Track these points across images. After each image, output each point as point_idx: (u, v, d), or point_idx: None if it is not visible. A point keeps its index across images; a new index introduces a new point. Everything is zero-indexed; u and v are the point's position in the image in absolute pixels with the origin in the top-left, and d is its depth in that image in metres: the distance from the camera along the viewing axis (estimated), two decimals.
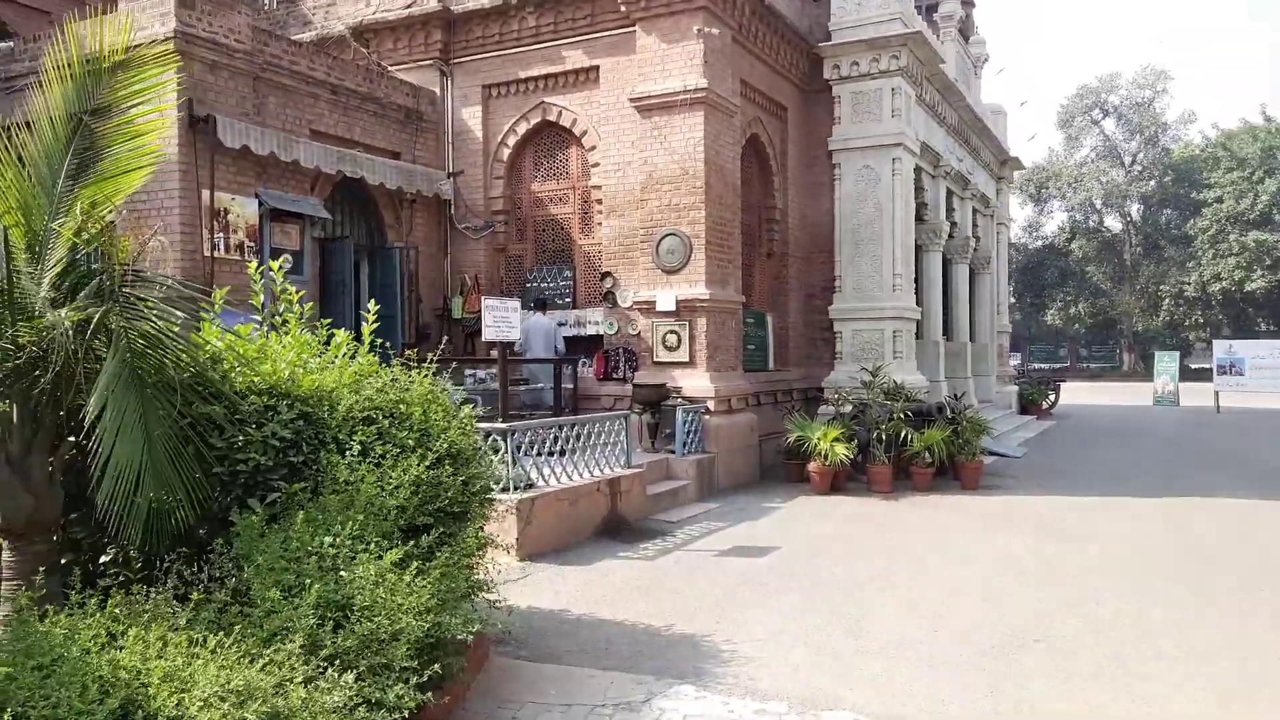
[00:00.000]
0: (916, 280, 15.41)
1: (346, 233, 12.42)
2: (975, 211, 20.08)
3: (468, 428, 5.54)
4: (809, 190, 14.82)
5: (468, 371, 11.80)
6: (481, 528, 5.23)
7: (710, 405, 11.37)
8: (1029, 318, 56.20)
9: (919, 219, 15.84)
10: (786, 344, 14.55)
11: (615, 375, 12.16)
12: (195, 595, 3.94)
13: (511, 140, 13.13)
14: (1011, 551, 8.26)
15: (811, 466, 11.39)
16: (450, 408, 5.51)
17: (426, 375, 5.79)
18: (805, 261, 14.88)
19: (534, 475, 8.29)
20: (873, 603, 6.62)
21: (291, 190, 11.17)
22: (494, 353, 12.12)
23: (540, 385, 11.41)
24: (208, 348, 4.87)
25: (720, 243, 11.90)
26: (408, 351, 12.88)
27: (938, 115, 16.50)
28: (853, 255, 14.10)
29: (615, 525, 8.99)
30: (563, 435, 8.68)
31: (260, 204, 10.65)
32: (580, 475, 8.80)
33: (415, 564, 4.09)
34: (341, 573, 3.83)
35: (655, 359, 11.78)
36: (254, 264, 6.48)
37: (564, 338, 12.67)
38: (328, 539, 3.97)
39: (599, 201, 12.49)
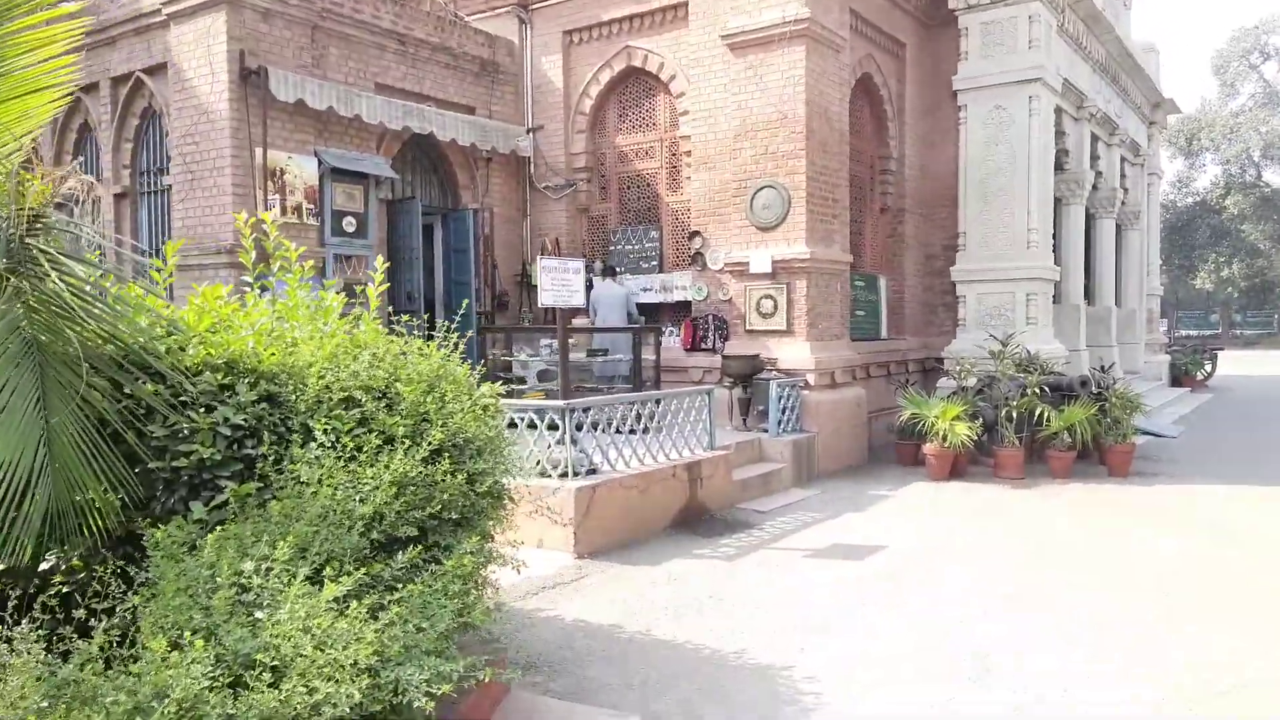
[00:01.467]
0: (1054, 237, 13.58)
1: (417, 194, 11.63)
2: (1123, 160, 17.84)
3: (488, 410, 4.53)
4: (929, 137, 13.20)
5: (543, 342, 10.86)
6: (491, 536, 4.22)
7: (810, 379, 10.08)
8: (1176, 281, 51.74)
9: (1058, 168, 13.96)
10: (901, 309, 13.04)
11: (704, 345, 10.99)
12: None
13: (594, 90, 12.04)
14: (1186, 561, 6.74)
15: (928, 449, 9.98)
16: (466, 385, 4.50)
17: (446, 347, 4.80)
18: (924, 217, 13.30)
19: (597, 458, 7.26)
20: (1007, 634, 5.29)
21: (355, 148, 10.41)
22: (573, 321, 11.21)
23: (620, 357, 10.35)
24: (152, 315, 3.96)
25: (824, 196, 10.53)
26: (483, 321, 12.14)
27: (1081, 49, 14.48)
28: (980, 209, 12.43)
29: (694, 516, 7.89)
30: (633, 413, 7.61)
31: (320, 163, 9.92)
32: (653, 459, 7.72)
33: (370, 597, 3.10)
34: (258, 613, 2.86)
35: (748, 327, 10.56)
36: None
37: (649, 304, 11.62)
38: (248, 563, 3.00)
39: (688, 153, 11.28)
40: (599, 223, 12.39)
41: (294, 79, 9.43)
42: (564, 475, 6.92)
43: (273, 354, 4.03)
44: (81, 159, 11.01)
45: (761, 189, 10.38)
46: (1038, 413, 9.98)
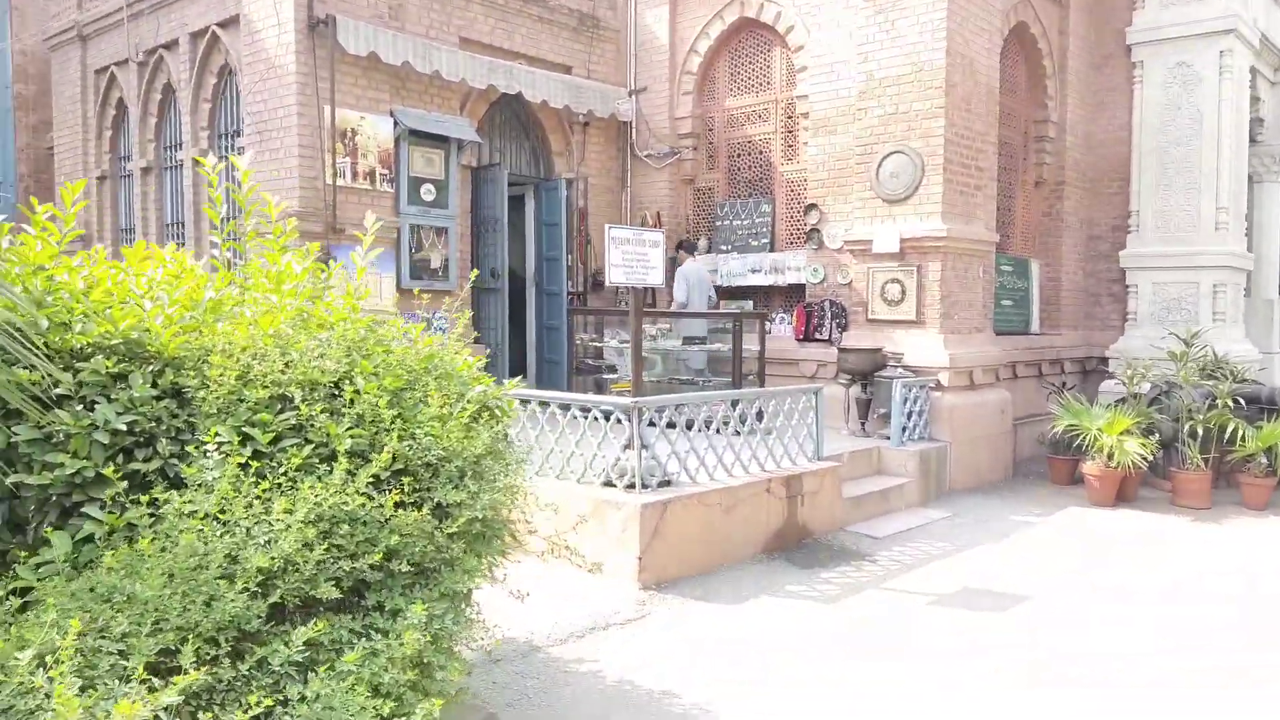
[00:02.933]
0: (1246, 219, 11.45)
1: (505, 161, 10.64)
2: None
3: (490, 415, 3.42)
4: (1096, 98, 11.30)
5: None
6: (468, 594, 3.10)
7: (943, 378, 8.56)
8: None
9: (1251, 139, 11.77)
10: (1057, 299, 11.23)
11: (819, 335, 9.59)
12: None
13: (703, 46, 10.75)
14: None
15: (1088, 467, 8.30)
16: (459, 382, 3.39)
17: (450, 330, 3.75)
18: (1088, 192, 11.42)
19: (673, 467, 6.06)
20: None
21: (435, 109, 9.50)
22: (671, 305, 10.00)
23: (718, 346, 9.09)
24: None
25: (966, 163, 8.93)
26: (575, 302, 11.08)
27: None
28: (1157, 183, 10.51)
29: (791, 540, 6.59)
30: (718, 415, 6.34)
31: (395, 124, 9.04)
32: (743, 469, 6.46)
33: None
34: None
35: (870, 315, 9.10)
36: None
37: (757, 287, 10.32)
38: (24, 654, 1.96)
39: (805, 115, 9.87)
40: (704, 195, 11.12)
41: (366, 29, 8.56)
42: (630, 487, 5.75)
43: (174, 335, 3.00)
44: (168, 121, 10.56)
45: (889, 155, 8.88)
46: (1230, 429, 8.14)
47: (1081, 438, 8.36)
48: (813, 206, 9.74)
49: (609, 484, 5.89)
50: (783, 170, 10.36)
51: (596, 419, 5.98)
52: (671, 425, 6.12)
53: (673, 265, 10.19)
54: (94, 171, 11.42)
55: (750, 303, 10.48)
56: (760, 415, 6.77)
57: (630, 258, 6.05)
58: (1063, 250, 11.20)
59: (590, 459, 6.01)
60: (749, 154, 10.68)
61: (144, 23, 10.34)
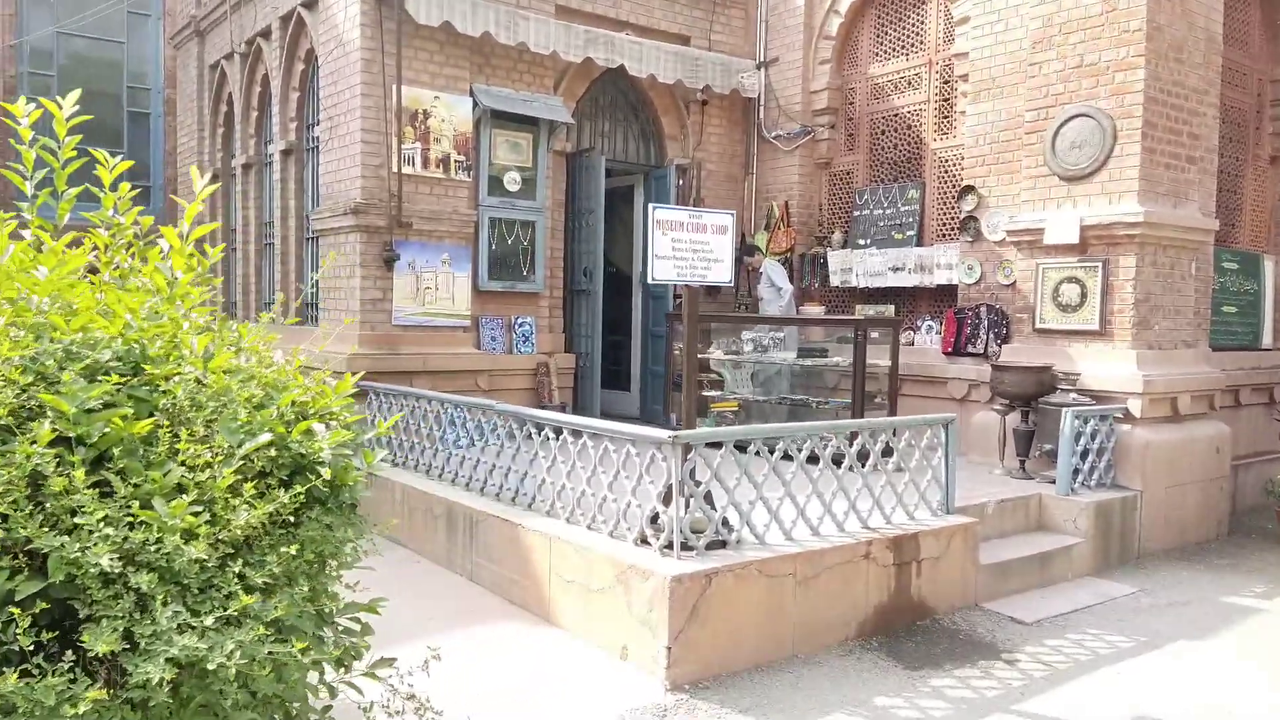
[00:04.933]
0: None
1: (603, 145, 9.44)
2: None
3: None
4: None
5: (745, 334, 8.25)
6: None
7: (1133, 405, 6.58)
8: None
9: None
10: None
11: (972, 348, 7.78)
12: None
13: (845, 3, 9.13)
14: None
15: None
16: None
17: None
18: None
19: (734, 518, 4.62)
20: None
21: (527, 88, 8.44)
22: (773, 308, 8.55)
23: (837, 361, 7.48)
24: None
25: (1174, 129, 6.90)
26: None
27: None
28: None
29: (901, 622, 4.98)
30: (801, 451, 4.80)
31: (475, 104, 8.05)
32: (834, 525, 4.91)
33: None
34: None
35: (1038, 324, 7.22)
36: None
37: (899, 289, 8.62)
38: None
39: (964, 78, 8.06)
40: (842, 180, 9.48)
41: None
42: (669, 547, 4.36)
43: None
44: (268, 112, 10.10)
45: (1070, 120, 6.98)
46: None
47: None
48: (969, 189, 7.93)
49: (644, 541, 4.53)
50: (935, 148, 8.57)
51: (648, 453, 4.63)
52: (766, 453, 4.66)
53: (739, 267, 8.85)
54: (207, 171, 11.20)
55: (891, 307, 8.76)
56: (879, 453, 5.18)
57: (684, 247, 4.66)
58: None
59: (624, 508, 4.67)
60: (895, 130, 8.96)
61: (245, 11, 9.92)
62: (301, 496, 2.21)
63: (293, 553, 2.16)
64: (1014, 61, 7.56)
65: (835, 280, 9.07)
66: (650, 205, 4.57)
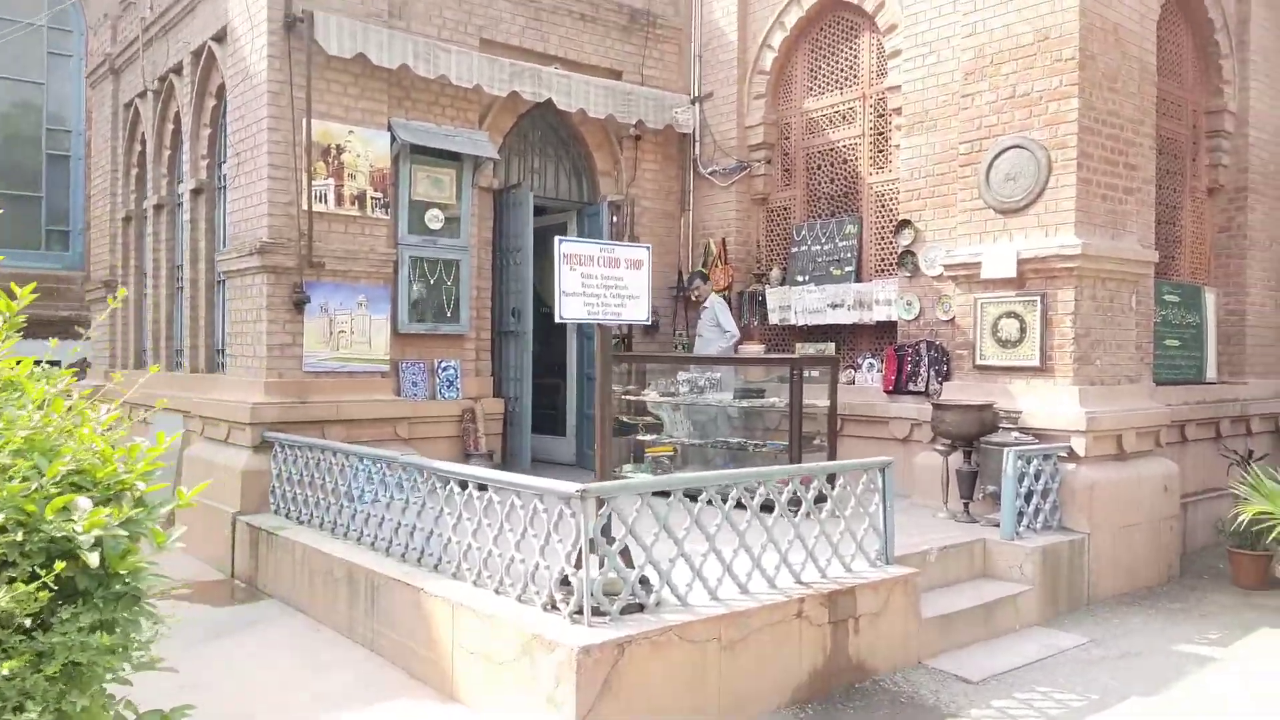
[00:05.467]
0: None
1: (542, 182, 9.12)
2: None
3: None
4: None
5: (682, 375, 7.91)
6: None
7: (1077, 444, 6.32)
8: None
9: None
10: (1241, 338, 8.68)
11: (913, 386, 7.51)
12: None
13: (778, 38, 8.96)
14: None
15: None
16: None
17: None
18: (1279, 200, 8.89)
19: (653, 576, 4.21)
20: None
21: (450, 122, 8.10)
22: (713, 348, 8.24)
23: (773, 401, 7.15)
24: None
25: (1110, 159, 6.75)
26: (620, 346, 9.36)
27: None
28: None
29: (839, 685, 4.59)
30: (727, 501, 4.42)
31: (393, 139, 7.68)
32: (765, 580, 4.53)
33: None
34: None
35: (978, 360, 6.97)
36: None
37: (839, 325, 8.36)
38: None
39: (897, 111, 7.89)
40: (780, 216, 9.24)
41: (351, 27, 7.25)
42: (579, 612, 3.94)
43: None
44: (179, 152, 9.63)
45: (1004, 151, 6.81)
46: None
47: (1277, 528, 5.94)
48: (905, 224, 7.72)
49: (553, 606, 4.10)
50: (871, 182, 8.38)
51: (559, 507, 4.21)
52: (687, 504, 4.26)
53: (682, 297, 8.63)
54: (120, 213, 10.66)
55: (831, 345, 8.49)
56: (812, 500, 4.82)
57: (595, 283, 4.31)
58: (1246, 275, 8.67)
59: (531, 570, 4.24)
60: (831, 164, 8.76)
61: (157, 47, 9.49)
62: (38, 591, 1.77)
63: (21, 666, 1.72)
64: (946, 94, 7.40)
65: (774, 318, 8.79)
66: (556, 239, 4.21)
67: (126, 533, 1.93)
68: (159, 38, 9.36)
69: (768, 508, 4.61)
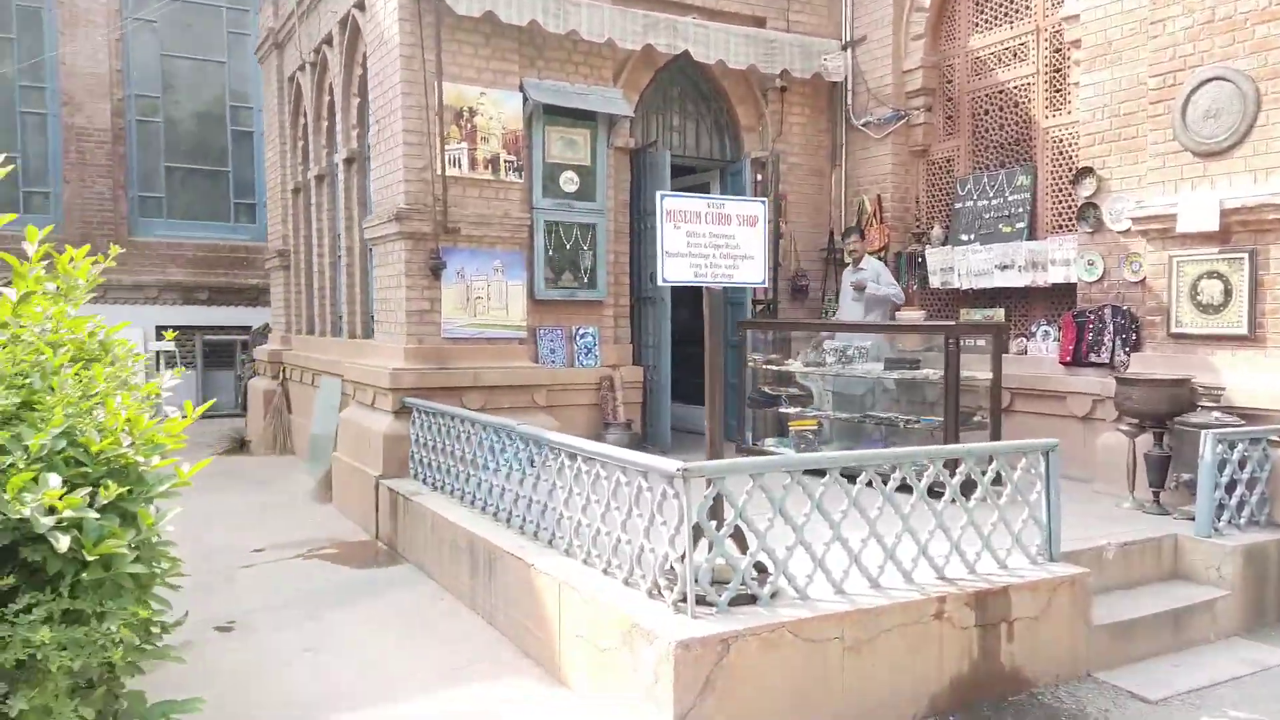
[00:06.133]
0: None
1: (681, 140, 8.72)
2: None
3: None
4: None
5: (828, 344, 7.37)
6: None
7: None
8: None
9: None
10: None
11: (1095, 358, 6.66)
12: None
13: None
14: None
15: None
16: None
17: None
18: None
19: (769, 564, 3.81)
20: None
21: (583, 80, 7.84)
22: (845, 314, 7.65)
23: (927, 375, 6.50)
24: None
25: None
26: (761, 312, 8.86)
27: None
28: None
29: (987, 700, 4.05)
30: (856, 484, 3.95)
31: (525, 99, 7.49)
32: (900, 575, 4.04)
33: None
34: None
35: (1173, 328, 6.07)
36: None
37: (1010, 289, 7.56)
38: None
39: (1076, 44, 6.96)
40: (941, 169, 8.45)
41: None
42: (682, 601, 3.61)
43: None
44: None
45: (1203, 85, 5.84)
46: None
47: None
48: (1087, 172, 6.82)
49: (657, 592, 3.79)
50: (1046, 126, 7.48)
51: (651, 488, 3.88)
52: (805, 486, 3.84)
53: (829, 260, 7.97)
54: (289, 184, 11.10)
55: (1000, 311, 7.71)
56: (959, 486, 4.27)
57: (703, 242, 3.91)
58: None
59: (637, 552, 3.94)
60: (1000, 109, 7.89)
61: (311, 20, 9.72)
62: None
63: None
64: (1133, 21, 6.43)
65: (935, 281, 8.06)
66: (658, 193, 3.83)
67: (98, 515, 1.74)
68: (312, 9, 9.58)
69: (906, 489, 4.10)
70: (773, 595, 3.79)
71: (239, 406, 13.45)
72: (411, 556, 6.12)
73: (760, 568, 3.88)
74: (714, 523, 3.75)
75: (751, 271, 4.03)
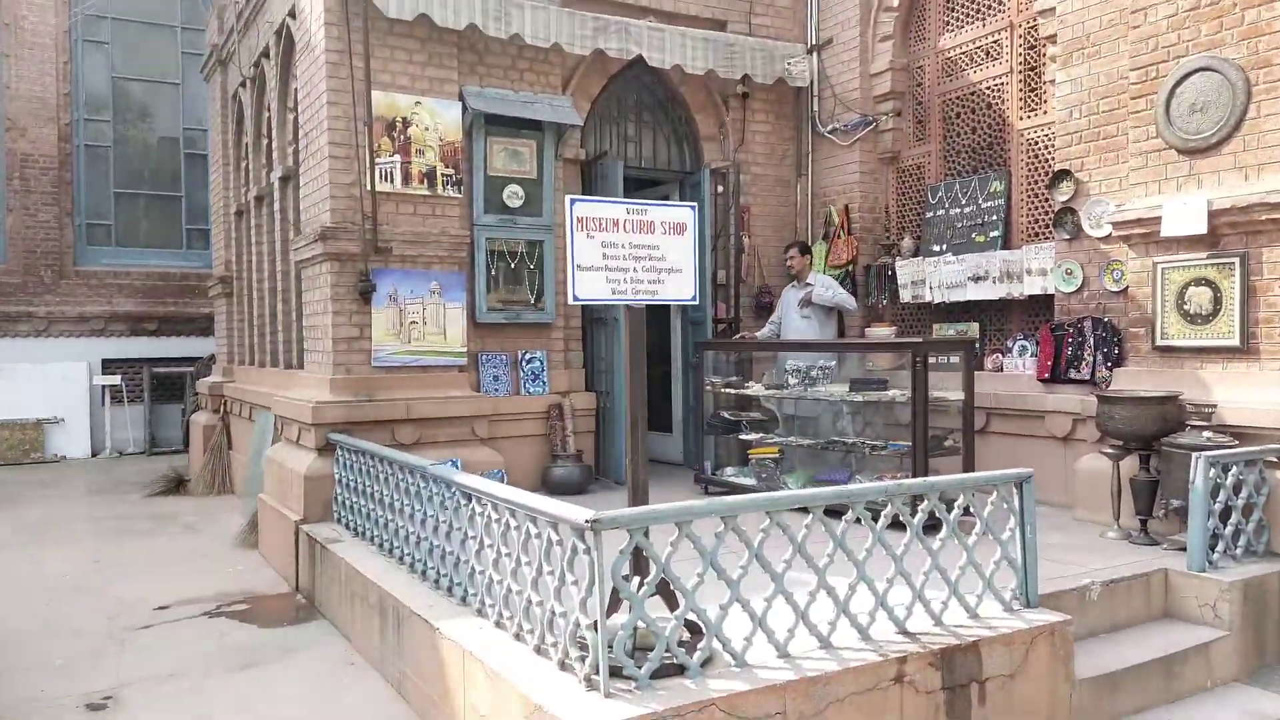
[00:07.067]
0: None
1: (637, 150, 8.24)
2: None
3: None
4: None
5: (790, 364, 6.85)
6: None
7: None
8: None
9: None
10: None
11: (1075, 374, 6.17)
12: None
13: None
14: None
15: None
16: None
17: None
18: None
19: (718, 620, 3.26)
20: None
21: (530, 88, 7.36)
22: (792, 335, 7.17)
23: (894, 394, 5.98)
24: None
25: None
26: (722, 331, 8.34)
27: None
28: None
29: None
30: (799, 534, 3.42)
31: (464, 108, 7.00)
32: (856, 629, 3.50)
33: None
34: None
35: (1159, 340, 5.58)
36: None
37: (984, 301, 7.08)
38: None
39: (1051, 39, 6.52)
40: (911, 176, 7.98)
41: None
42: (595, 674, 3.05)
43: None
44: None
45: (1188, 76, 5.39)
46: None
47: None
48: (1063, 175, 6.36)
49: (567, 665, 3.24)
50: (1021, 128, 7.02)
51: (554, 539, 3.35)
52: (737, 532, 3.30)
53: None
54: (232, 207, 10.58)
55: (975, 325, 7.22)
56: (920, 525, 3.74)
57: (621, 254, 3.40)
58: None
59: (547, 615, 3.39)
60: (973, 111, 7.44)
61: (250, 33, 9.24)
62: None
63: None
64: (1112, 11, 5.99)
65: (905, 295, 7.59)
66: (567, 198, 3.33)
67: None
68: (251, 22, 9.10)
69: (866, 524, 3.57)
70: (704, 663, 3.25)
71: (184, 443, 12.85)
72: (328, 612, 5.55)
73: (693, 628, 3.35)
74: (636, 579, 3.22)
75: (680, 287, 3.51)
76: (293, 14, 7.65)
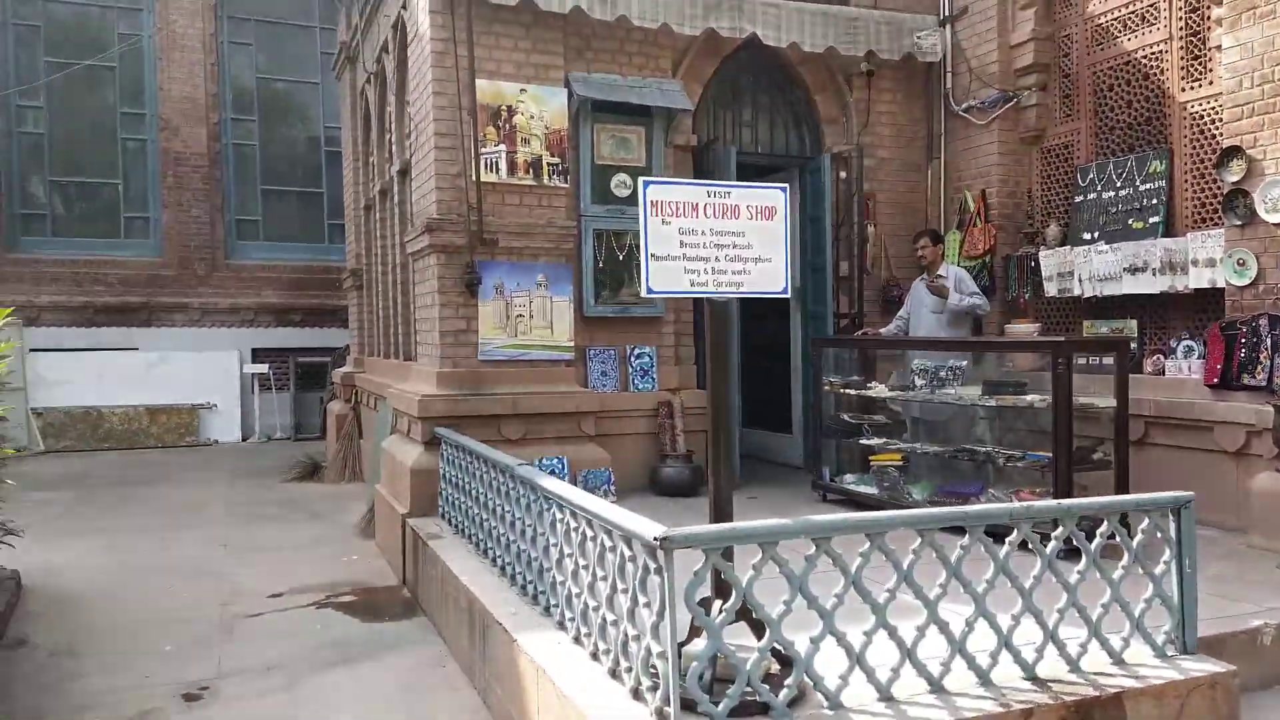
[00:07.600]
0: None
1: (753, 135, 7.84)
2: None
3: None
4: None
5: (916, 364, 6.31)
6: None
7: None
8: None
9: None
10: None
11: (1249, 378, 5.40)
12: None
13: None
14: None
15: None
16: None
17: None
18: None
19: (808, 655, 2.90)
20: None
21: (638, 71, 7.09)
22: (922, 331, 6.60)
23: (1031, 402, 5.37)
24: None
25: None
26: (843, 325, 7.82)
27: None
28: None
29: None
30: (897, 563, 3.00)
31: (570, 95, 6.80)
32: (975, 672, 3.06)
33: None
34: None
35: None
36: None
37: (1139, 295, 6.34)
38: None
39: (1216, 0, 5.75)
40: (1058, 157, 7.26)
41: None
42: (667, 706, 2.75)
43: None
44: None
45: None
46: None
47: None
48: (1234, 152, 5.58)
49: (638, 694, 2.95)
50: (1184, 100, 6.24)
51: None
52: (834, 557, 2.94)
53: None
54: (361, 201, 10.79)
55: (1133, 323, 6.49)
56: (1053, 552, 3.26)
57: (702, 242, 3.07)
58: None
59: (621, 636, 3.11)
60: (1127, 83, 6.68)
61: (372, 29, 9.35)
62: None
63: None
64: None
65: (1051, 289, 6.91)
66: (641, 180, 3.02)
67: None
68: (372, 18, 9.20)
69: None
70: (792, 701, 2.89)
71: (323, 430, 13.31)
72: (428, 609, 5.46)
73: (782, 660, 3.00)
74: (719, 603, 2.90)
75: (768, 278, 3.15)
76: (405, 5, 7.65)
